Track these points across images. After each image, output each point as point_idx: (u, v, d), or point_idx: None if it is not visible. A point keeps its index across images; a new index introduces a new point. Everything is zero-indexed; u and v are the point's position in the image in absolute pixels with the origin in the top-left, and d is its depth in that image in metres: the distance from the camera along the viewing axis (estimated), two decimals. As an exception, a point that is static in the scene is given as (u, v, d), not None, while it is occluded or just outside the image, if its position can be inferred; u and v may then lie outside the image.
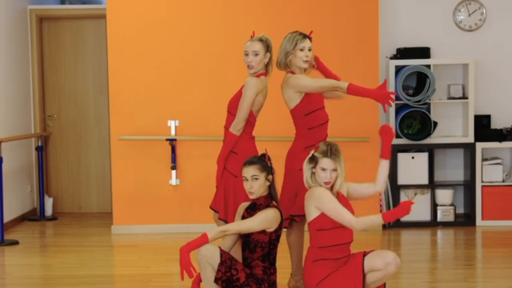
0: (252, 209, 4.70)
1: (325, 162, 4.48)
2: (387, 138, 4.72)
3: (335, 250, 4.47)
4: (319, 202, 4.47)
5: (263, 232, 4.58)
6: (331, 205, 4.45)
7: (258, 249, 4.60)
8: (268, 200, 4.67)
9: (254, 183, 4.61)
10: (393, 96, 4.84)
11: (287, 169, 5.13)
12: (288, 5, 7.72)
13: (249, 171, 4.62)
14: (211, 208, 5.25)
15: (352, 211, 4.57)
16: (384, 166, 4.74)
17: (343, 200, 4.58)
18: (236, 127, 5.04)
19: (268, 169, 4.67)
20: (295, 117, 5.11)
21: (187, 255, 4.42)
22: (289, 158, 5.14)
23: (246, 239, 4.64)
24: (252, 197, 4.64)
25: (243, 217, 4.71)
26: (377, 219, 4.45)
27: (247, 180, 4.63)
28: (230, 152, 5.06)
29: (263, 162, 4.67)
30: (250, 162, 4.66)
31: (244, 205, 4.80)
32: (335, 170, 4.48)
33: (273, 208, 4.61)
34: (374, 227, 4.40)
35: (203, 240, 4.43)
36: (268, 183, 4.67)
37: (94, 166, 9.20)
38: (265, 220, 4.54)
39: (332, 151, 4.49)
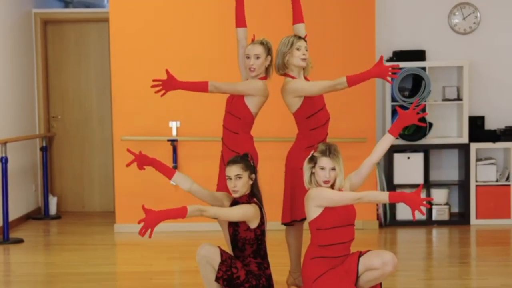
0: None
1: (324, 161, 4.46)
2: (405, 120, 4.62)
3: (334, 249, 4.45)
4: (320, 200, 4.43)
5: (248, 229, 4.57)
6: (334, 196, 4.41)
7: (247, 247, 4.60)
8: (249, 198, 4.65)
9: (238, 182, 4.60)
10: (396, 69, 4.82)
11: (288, 168, 5.11)
12: (286, 8, 7.69)
13: (233, 170, 4.61)
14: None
15: (354, 213, 4.54)
16: (386, 139, 4.65)
17: None
18: (211, 87, 5.03)
19: (251, 168, 4.66)
20: (297, 120, 5.09)
21: (158, 220, 4.32)
22: (290, 157, 5.12)
23: (233, 238, 4.64)
24: (235, 195, 4.63)
25: None
26: (382, 197, 4.44)
27: (230, 179, 4.62)
28: (191, 88, 5.15)
29: (246, 161, 4.66)
30: (233, 162, 4.65)
31: (229, 196, 4.77)
32: (333, 169, 4.46)
33: (252, 204, 4.59)
34: (378, 202, 4.38)
35: (181, 213, 4.37)
36: (251, 182, 4.66)
37: (97, 166, 9.20)
38: (244, 213, 4.53)
39: (331, 151, 4.48)
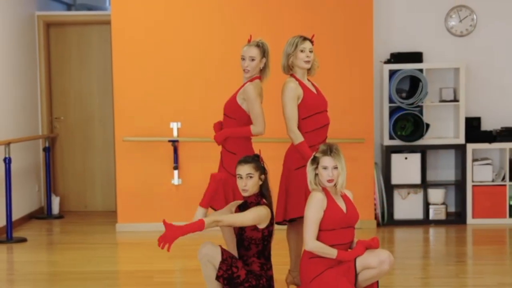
0: (244, 208, 4.69)
1: (325, 160, 4.47)
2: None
3: (333, 249, 4.47)
4: (307, 203, 4.48)
5: (255, 229, 4.57)
6: (308, 212, 4.46)
7: (253, 246, 4.59)
8: (258, 198, 4.65)
9: (249, 181, 4.60)
10: None
11: (284, 168, 5.13)
12: (284, 11, 7.72)
13: (245, 169, 4.61)
14: (210, 206, 5.23)
15: (357, 216, 4.57)
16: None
17: (348, 201, 4.56)
18: (260, 130, 5.06)
19: (261, 169, 4.66)
20: None
21: (177, 235, 4.30)
22: (286, 158, 5.13)
23: (240, 237, 4.63)
24: (245, 194, 4.63)
25: None
26: (332, 253, 4.41)
27: (241, 178, 4.62)
28: (236, 135, 5.06)
29: (257, 162, 4.67)
30: (245, 161, 4.65)
31: (236, 203, 4.79)
32: (336, 168, 4.47)
33: (264, 206, 4.60)
34: (325, 256, 4.38)
35: (199, 226, 4.35)
36: (260, 182, 4.67)
37: (99, 166, 9.20)
38: (257, 216, 4.53)
39: (332, 150, 4.49)
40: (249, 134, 5.07)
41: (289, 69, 5.08)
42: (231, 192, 5.03)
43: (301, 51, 5.01)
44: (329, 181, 4.46)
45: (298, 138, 4.96)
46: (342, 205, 4.52)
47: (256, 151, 5.03)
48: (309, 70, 5.12)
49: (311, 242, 4.41)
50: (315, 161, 4.52)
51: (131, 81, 7.76)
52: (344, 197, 4.57)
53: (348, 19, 7.70)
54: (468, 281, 5.71)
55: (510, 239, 7.40)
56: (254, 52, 5.04)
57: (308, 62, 5.02)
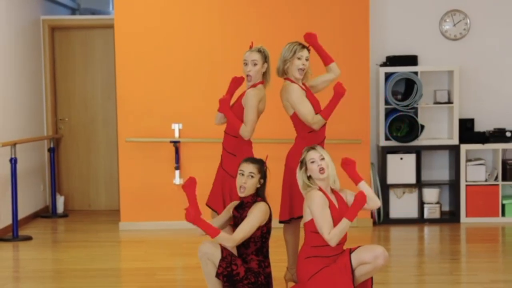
0: (241, 208, 4.70)
1: (311, 154, 4.49)
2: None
3: (327, 249, 4.45)
4: (310, 203, 4.46)
5: None
6: (317, 209, 4.42)
7: (252, 244, 4.60)
8: (254, 198, 4.66)
9: (249, 180, 4.60)
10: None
11: (287, 168, 5.14)
12: (282, 14, 7.72)
13: (248, 168, 4.62)
14: (207, 205, 5.24)
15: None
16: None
17: (341, 200, 4.56)
18: (246, 134, 5.04)
19: (263, 173, 4.67)
20: (294, 122, 5.11)
21: (195, 220, 4.38)
22: (289, 158, 5.14)
23: None
24: (242, 193, 4.62)
25: (234, 216, 4.72)
26: (345, 224, 4.39)
27: (243, 174, 4.62)
28: (230, 120, 5.09)
29: (262, 166, 4.68)
30: (250, 160, 4.67)
31: (233, 203, 4.79)
32: (323, 158, 4.48)
33: (261, 202, 4.61)
34: (346, 231, 4.38)
35: (214, 233, 4.38)
36: (258, 185, 4.67)
37: (102, 166, 9.21)
38: (260, 215, 4.54)
39: (314, 147, 4.53)
40: (237, 129, 5.05)
41: (283, 73, 5.09)
42: (227, 193, 5.04)
43: (298, 58, 5.02)
44: (321, 171, 4.46)
45: (317, 117, 4.93)
46: (335, 201, 4.53)
47: (257, 153, 5.05)
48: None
49: (330, 237, 4.36)
50: (302, 163, 4.53)
51: (134, 83, 7.77)
52: (335, 193, 4.57)
53: (345, 23, 7.71)
54: (461, 278, 5.71)
55: (503, 237, 7.41)
56: (256, 56, 5.07)
57: (302, 70, 5.04)
